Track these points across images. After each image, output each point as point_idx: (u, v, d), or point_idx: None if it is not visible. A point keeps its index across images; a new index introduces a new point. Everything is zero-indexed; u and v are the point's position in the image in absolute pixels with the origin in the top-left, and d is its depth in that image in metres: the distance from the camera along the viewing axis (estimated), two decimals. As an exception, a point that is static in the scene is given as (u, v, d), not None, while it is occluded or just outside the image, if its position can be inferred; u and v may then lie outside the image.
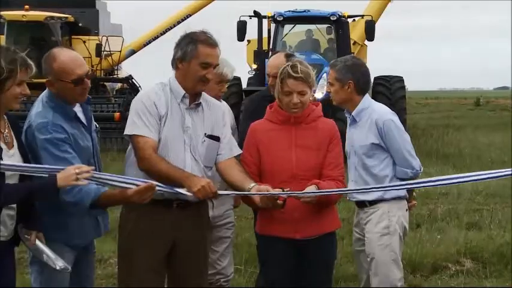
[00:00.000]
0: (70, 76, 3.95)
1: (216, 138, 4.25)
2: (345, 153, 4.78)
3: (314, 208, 4.28)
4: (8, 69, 3.59)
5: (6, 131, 3.76)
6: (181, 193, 3.94)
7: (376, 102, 4.96)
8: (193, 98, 4.21)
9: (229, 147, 4.30)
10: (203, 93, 4.29)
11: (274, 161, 4.31)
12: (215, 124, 4.26)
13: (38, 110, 3.96)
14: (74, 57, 4.03)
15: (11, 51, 3.67)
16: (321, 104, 4.53)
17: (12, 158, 3.72)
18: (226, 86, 5.16)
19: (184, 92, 4.16)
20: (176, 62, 4.17)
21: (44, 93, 4.06)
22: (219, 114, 4.32)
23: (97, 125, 4.31)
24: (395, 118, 4.81)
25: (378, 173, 4.75)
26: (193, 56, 4.09)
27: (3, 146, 3.69)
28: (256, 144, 4.36)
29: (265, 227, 4.42)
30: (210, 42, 4.12)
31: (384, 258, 4.74)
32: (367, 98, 4.86)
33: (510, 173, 3.83)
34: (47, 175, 3.67)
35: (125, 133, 4.14)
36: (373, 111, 4.80)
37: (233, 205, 5.29)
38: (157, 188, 3.89)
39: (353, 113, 4.82)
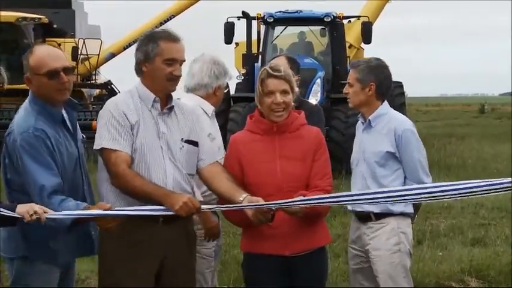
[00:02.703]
0: (43, 68, 4.00)
1: (195, 143, 4.27)
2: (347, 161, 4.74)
3: (303, 222, 4.28)
4: None
5: None
6: (162, 214, 3.98)
7: (394, 110, 4.97)
8: (164, 102, 4.22)
9: (211, 152, 4.34)
10: (172, 96, 4.31)
11: (257, 173, 4.32)
12: (192, 129, 4.29)
13: (21, 115, 4.02)
14: (51, 51, 4.10)
15: None
16: (303, 111, 4.55)
17: None
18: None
19: (154, 96, 4.18)
20: (140, 66, 4.19)
21: (29, 97, 4.11)
22: (193, 118, 4.34)
23: (83, 136, 4.34)
24: (415, 129, 4.83)
25: (388, 185, 4.71)
26: (156, 54, 4.12)
27: None
28: (238, 156, 4.37)
29: (252, 244, 4.42)
30: (172, 37, 4.16)
31: (396, 276, 4.73)
32: (386, 104, 4.89)
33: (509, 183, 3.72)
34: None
35: (94, 148, 4.14)
36: (392, 118, 4.83)
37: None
38: (133, 213, 3.92)
39: (370, 117, 4.83)
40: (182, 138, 4.22)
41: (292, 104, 4.39)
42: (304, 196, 4.14)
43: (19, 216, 3.56)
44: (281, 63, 5.12)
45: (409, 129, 4.79)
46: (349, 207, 4.96)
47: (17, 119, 4.01)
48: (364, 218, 4.85)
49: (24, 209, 3.57)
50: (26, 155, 3.87)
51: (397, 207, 4.75)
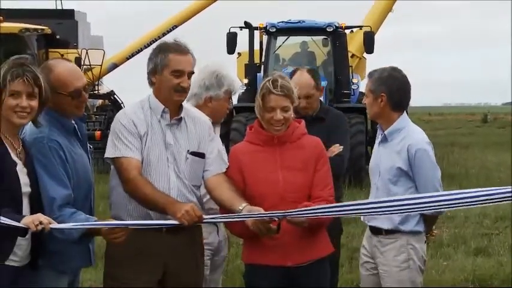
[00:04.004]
0: (67, 88, 4.03)
1: (201, 155, 4.29)
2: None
3: (304, 232, 4.28)
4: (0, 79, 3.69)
5: (20, 148, 3.83)
6: (166, 224, 4.00)
7: (413, 124, 4.84)
8: (174, 113, 4.26)
9: (218, 163, 4.34)
10: (187, 107, 4.36)
11: (260, 184, 4.31)
12: (201, 140, 4.31)
13: (33, 125, 3.98)
14: (71, 68, 4.12)
15: (11, 61, 3.77)
16: (303, 120, 4.54)
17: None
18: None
19: (163, 106, 4.23)
20: (150, 77, 4.25)
21: None
22: (205, 128, 4.36)
23: (90, 146, 4.37)
24: (430, 148, 4.71)
25: None
26: (165, 66, 4.18)
27: (19, 161, 3.77)
28: (240, 167, 4.37)
29: (253, 255, 4.41)
30: (181, 49, 4.21)
31: None
32: (404, 118, 4.77)
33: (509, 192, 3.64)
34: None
35: (105, 156, 4.20)
36: (408, 134, 4.70)
37: None
38: (136, 226, 3.95)
39: (386, 132, 4.75)
40: (188, 150, 4.25)
41: (293, 116, 4.38)
42: (307, 206, 4.11)
43: (25, 226, 3.59)
44: (309, 81, 5.36)
45: (423, 148, 4.65)
46: (362, 218, 4.89)
47: (29, 129, 3.99)
48: (376, 230, 4.78)
49: (30, 220, 3.60)
50: (38, 165, 3.89)
51: (407, 226, 4.68)
